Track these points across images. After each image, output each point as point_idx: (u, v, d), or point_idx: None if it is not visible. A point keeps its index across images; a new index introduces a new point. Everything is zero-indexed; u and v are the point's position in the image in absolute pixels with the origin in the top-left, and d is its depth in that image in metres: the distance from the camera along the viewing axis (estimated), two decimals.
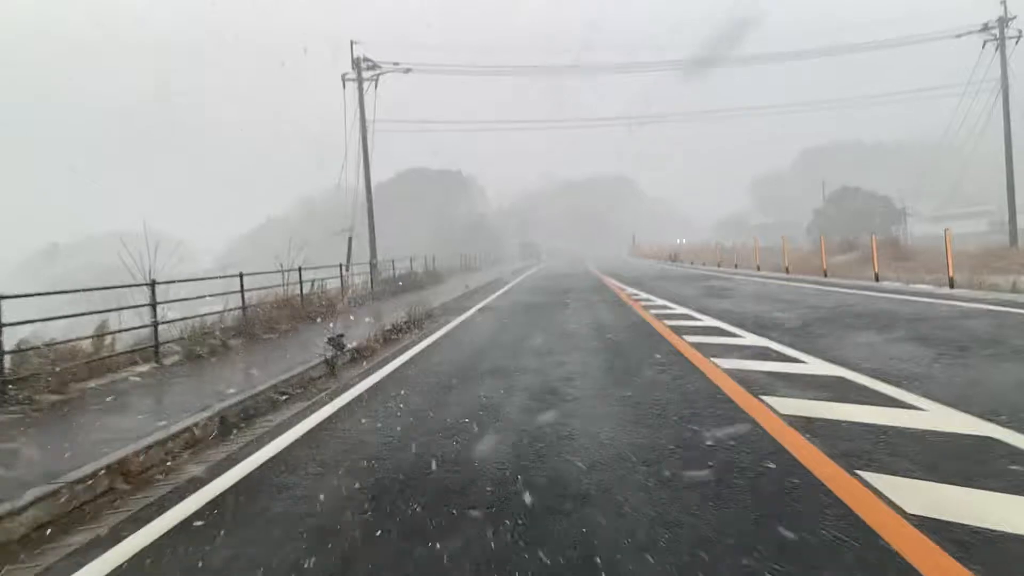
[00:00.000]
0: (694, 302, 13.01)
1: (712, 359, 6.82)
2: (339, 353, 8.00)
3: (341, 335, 8.14)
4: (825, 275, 17.63)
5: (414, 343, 10.02)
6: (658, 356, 7.34)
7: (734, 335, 8.42)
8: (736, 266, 26.11)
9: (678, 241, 72.97)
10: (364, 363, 8.56)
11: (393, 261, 25.69)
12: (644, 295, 15.29)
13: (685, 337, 8.42)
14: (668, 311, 11.74)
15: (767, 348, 7.38)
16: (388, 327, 11.46)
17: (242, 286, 11.96)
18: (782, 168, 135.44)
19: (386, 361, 8.51)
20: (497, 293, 19.92)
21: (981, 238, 42.84)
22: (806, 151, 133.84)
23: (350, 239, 24.11)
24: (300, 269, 14.46)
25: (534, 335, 9.85)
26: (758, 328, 8.86)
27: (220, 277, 12.83)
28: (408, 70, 27.60)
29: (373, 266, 25.35)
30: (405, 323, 12.23)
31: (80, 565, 3.06)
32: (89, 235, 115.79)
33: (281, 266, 16.92)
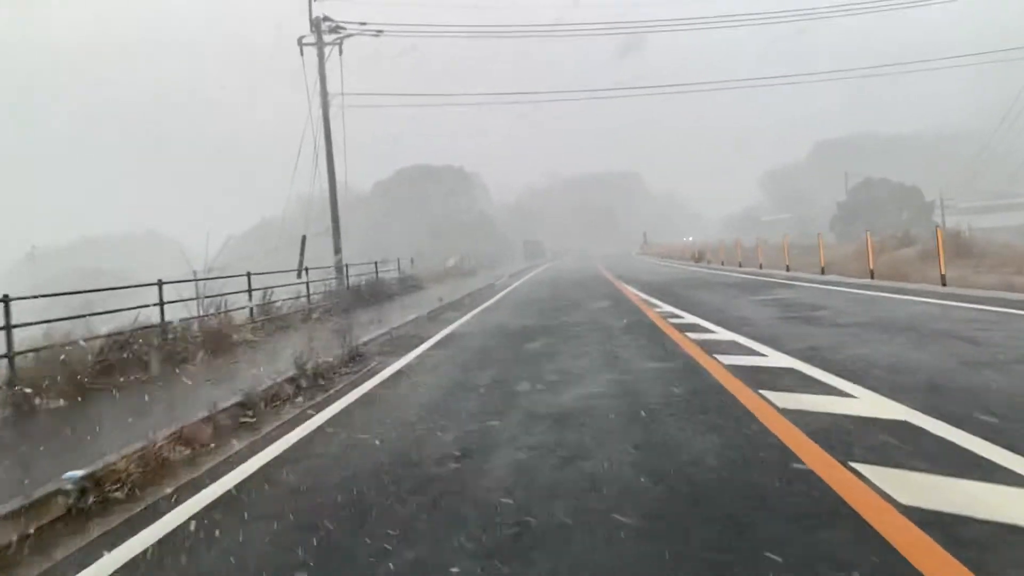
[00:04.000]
0: (779, 335, 8.05)
1: None
2: (79, 500, 3.42)
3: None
4: (944, 283, 12.44)
5: (299, 421, 5.85)
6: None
7: (970, 458, 3.65)
8: (788, 268, 21.17)
9: (688, 239, 67.50)
10: (171, 484, 4.25)
11: (347, 266, 21.12)
12: (705, 325, 9.54)
13: (845, 460, 3.70)
14: (753, 361, 6.65)
15: None
16: (278, 380, 7.13)
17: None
18: (796, 161, 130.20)
19: (217, 475, 4.45)
20: (476, 310, 15.21)
21: (1020, 232, 37.17)
22: (820, 143, 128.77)
23: (303, 240, 19.46)
24: (160, 283, 9.79)
25: (500, 424, 5.23)
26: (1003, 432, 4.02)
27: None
28: (379, 32, 23.16)
29: (340, 268, 20.78)
30: (312, 373, 7.76)
31: None
32: (86, 237, 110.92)
33: (195, 275, 12.39)
